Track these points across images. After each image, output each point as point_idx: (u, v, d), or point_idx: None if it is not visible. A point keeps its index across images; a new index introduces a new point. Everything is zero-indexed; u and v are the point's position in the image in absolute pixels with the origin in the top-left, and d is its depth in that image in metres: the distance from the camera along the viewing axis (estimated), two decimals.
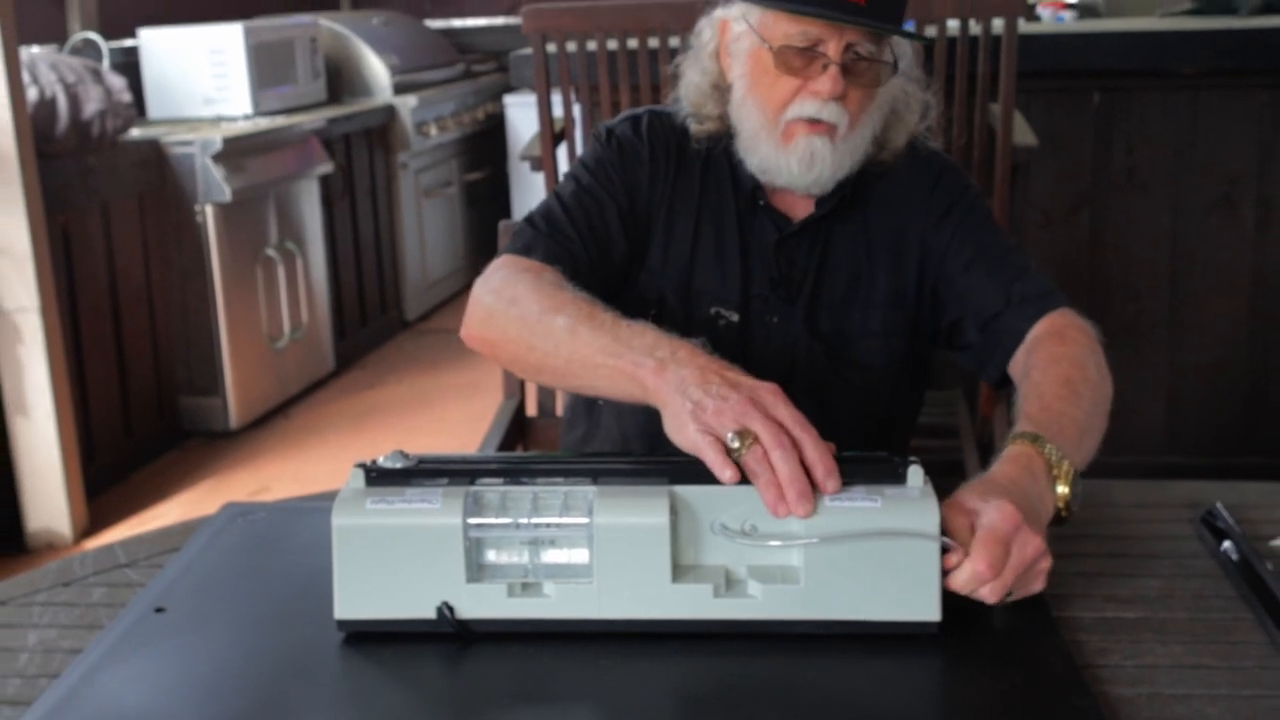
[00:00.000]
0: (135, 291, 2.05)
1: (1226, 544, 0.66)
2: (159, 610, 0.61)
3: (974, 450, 1.17)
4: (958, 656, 0.56)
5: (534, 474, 0.59)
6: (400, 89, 2.82)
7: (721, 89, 0.81)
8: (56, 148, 1.86)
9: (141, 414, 2.07)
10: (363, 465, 0.59)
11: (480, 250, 3.14)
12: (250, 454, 2.14)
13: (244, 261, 2.21)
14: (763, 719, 0.51)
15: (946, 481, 0.62)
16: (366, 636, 0.58)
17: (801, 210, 0.82)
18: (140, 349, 2.07)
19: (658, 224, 0.82)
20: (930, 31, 1.29)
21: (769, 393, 0.59)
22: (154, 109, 2.38)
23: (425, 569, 0.57)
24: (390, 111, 2.77)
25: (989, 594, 0.57)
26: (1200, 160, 1.66)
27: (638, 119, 0.84)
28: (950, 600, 0.57)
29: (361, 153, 2.69)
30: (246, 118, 2.36)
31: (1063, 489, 0.63)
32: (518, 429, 1.19)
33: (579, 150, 1.43)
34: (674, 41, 1.31)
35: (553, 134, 1.43)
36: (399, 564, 0.57)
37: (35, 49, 2.11)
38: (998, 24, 1.31)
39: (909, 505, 0.57)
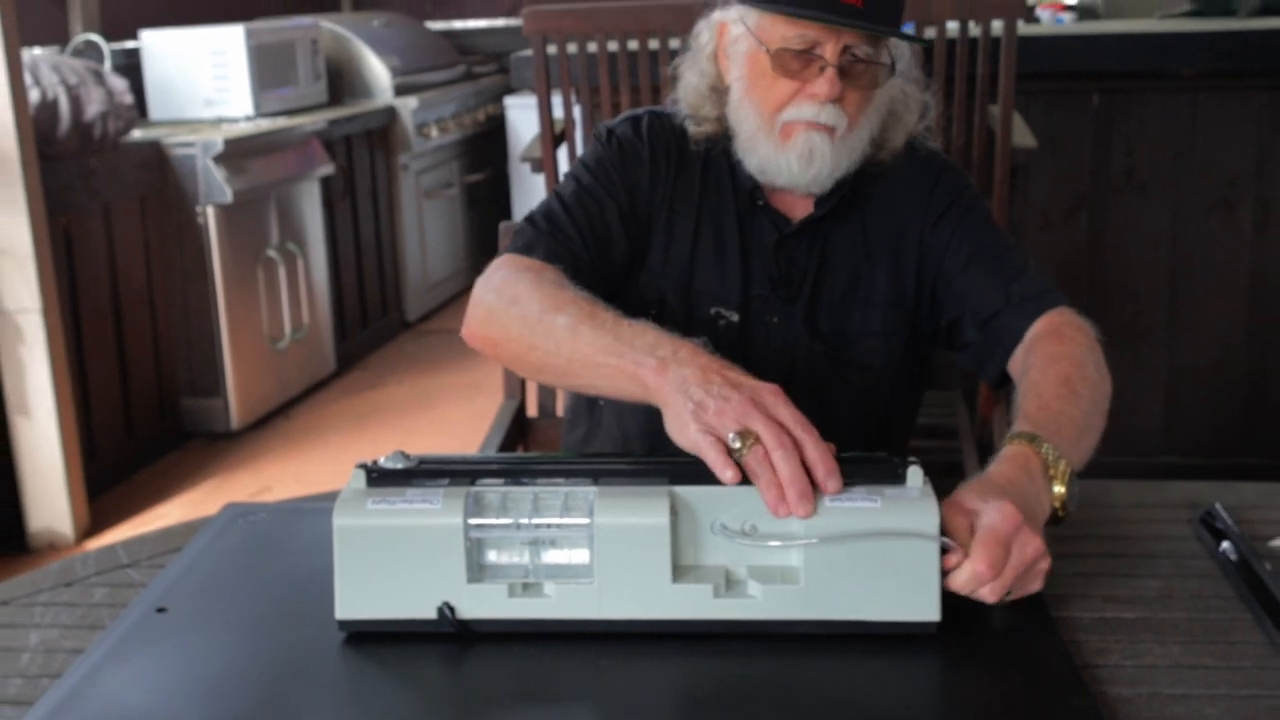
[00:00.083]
0: (137, 292, 2.06)
1: (1225, 544, 0.66)
2: (160, 610, 0.61)
3: (973, 451, 1.17)
4: (957, 656, 0.56)
5: (535, 474, 0.60)
6: (401, 90, 2.82)
7: (719, 91, 0.81)
8: (58, 149, 1.87)
9: (143, 414, 2.08)
10: (364, 466, 0.60)
11: (481, 251, 3.14)
12: (251, 455, 2.14)
13: (245, 262, 2.21)
14: (763, 719, 0.51)
15: (946, 482, 0.62)
16: (367, 636, 0.58)
17: (800, 210, 0.82)
18: (142, 350, 2.07)
19: (658, 224, 0.82)
20: (930, 33, 1.29)
21: (770, 393, 0.59)
22: (155, 110, 2.38)
23: (426, 569, 0.57)
24: (391, 113, 2.77)
25: (988, 594, 0.57)
26: (1199, 162, 1.66)
27: (638, 119, 0.84)
28: (949, 600, 0.57)
29: (362, 154, 2.69)
30: (248, 119, 2.37)
31: (1059, 489, 0.63)
32: (518, 429, 1.19)
33: (579, 152, 1.43)
34: (674, 43, 1.31)
35: (553, 135, 1.43)
36: (400, 564, 0.57)
37: (37, 50, 2.11)
38: (997, 25, 1.31)
39: (909, 506, 0.57)
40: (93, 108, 1.91)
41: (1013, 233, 1.59)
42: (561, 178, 0.86)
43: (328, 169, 2.46)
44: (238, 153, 2.14)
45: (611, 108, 1.39)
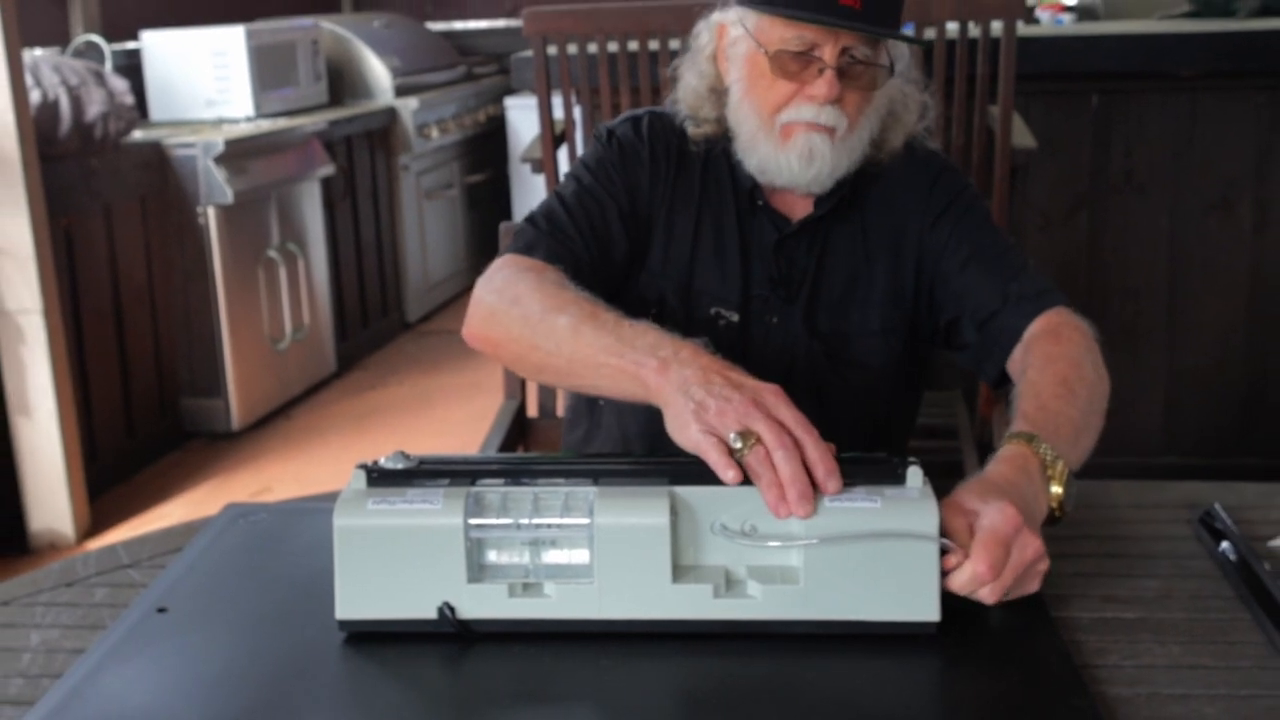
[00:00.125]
0: (137, 293, 2.06)
1: (1224, 544, 0.66)
2: (161, 610, 0.61)
3: (973, 451, 1.17)
4: (957, 656, 0.56)
5: (535, 475, 0.60)
6: (401, 91, 2.83)
7: (719, 92, 0.81)
8: (59, 150, 1.87)
9: (144, 415, 2.08)
10: (364, 466, 0.60)
11: (481, 252, 3.14)
12: (252, 455, 2.15)
13: (246, 263, 2.21)
14: (763, 719, 0.51)
15: (945, 482, 0.62)
16: (368, 636, 0.58)
17: (800, 210, 0.82)
18: (142, 350, 2.07)
19: (658, 224, 0.82)
20: (930, 34, 1.30)
21: (771, 394, 0.59)
22: (156, 111, 2.38)
23: (426, 569, 0.57)
24: (391, 114, 2.77)
25: (988, 595, 0.57)
26: (1198, 162, 1.66)
27: (638, 120, 0.84)
28: (949, 600, 0.57)
29: (363, 155, 2.69)
30: (248, 120, 2.37)
31: (1056, 489, 0.63)
32: (519, 430, 1.19)
33: (580, 152, 1.43)
34: (674, 44, 1.32)
35: (553, 136, 1.43)
36: (400, 564, 0.57)
37: (38, 51, 2.11)
38: (997, 26, 1.31)
39: (908, 506, 0.57)
40: (94, 108, 1.91)
41: (1012, 233, 1.59)
42: (562, 178, 0.86)
43: (328, 169, 2.46)
44: (238, 153, 2.15)
45: (611, 108, 1.39)
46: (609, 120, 0.88)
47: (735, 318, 0.81)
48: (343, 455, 2.11)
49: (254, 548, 0.69)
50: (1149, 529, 0.71)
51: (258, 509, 0.75)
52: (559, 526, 0.57)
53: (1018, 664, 0.55)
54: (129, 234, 2.03)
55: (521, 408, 1.20)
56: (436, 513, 0.57)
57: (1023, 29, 1.53)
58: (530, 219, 0.81)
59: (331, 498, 0.60)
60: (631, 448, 0.84)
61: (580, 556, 0.58)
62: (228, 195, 2.10)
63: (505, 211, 3.13)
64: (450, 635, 0.58)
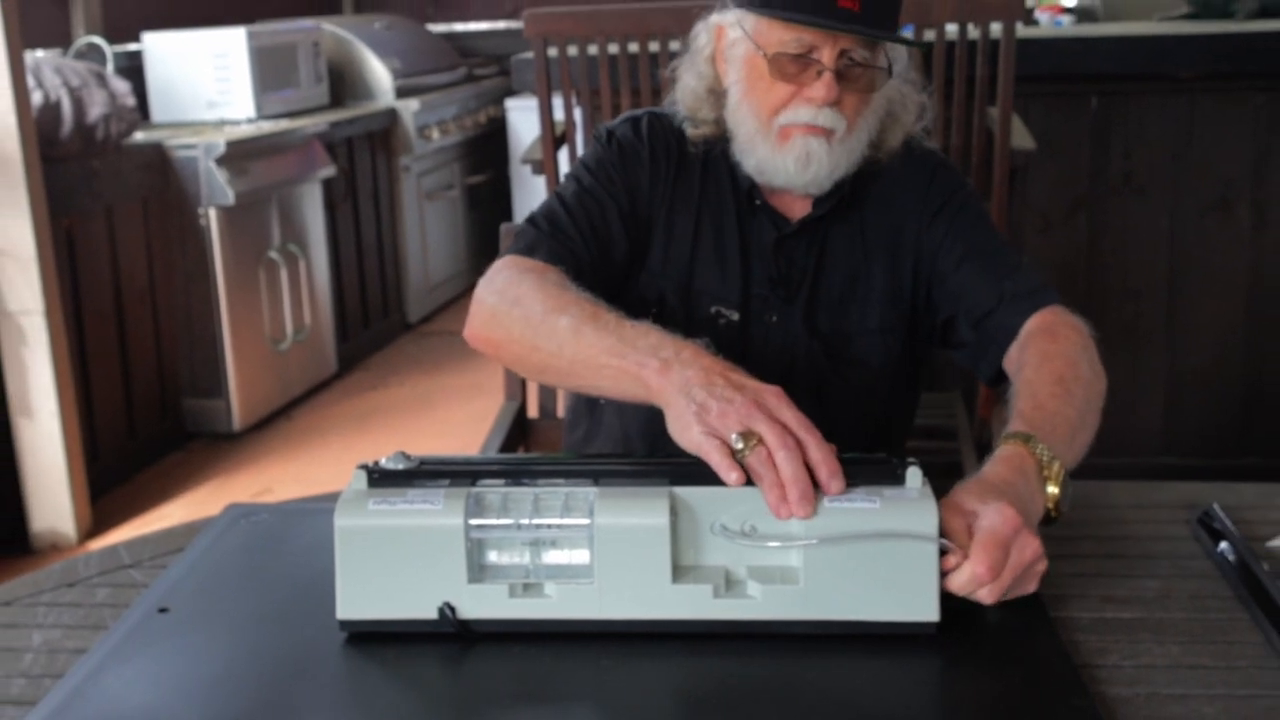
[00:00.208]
0: (139, 294, 2.06)
1: (1223, 545, 0.66)
2: (163, 610, 0.62)
3: (972, 452, 1.17)
4: (956, 657, 0.56)
5: (535, 475, 0.60)
6: (402, 93, 2.83)
7: (717, 93, 0.81)
8: (61, 151, 1.87)
9: (145, 415, 2.08)
10: (365, 466, 0.60)
11: (482, 253, 3.15)
12: (253, 455, 2.15)
13: (247, 264, 2.22)
14: (763, 719, 0.51)
15: (945, 483, 0.62)
16: (368, 636, 0.58)
17: (799, 210, 0.82)
18: (144, 351, 2.08)
19: (658, 224, 0.82)
20: (929, 35, 1.30)
21: (773, 395, 0.59)
22: (157, 112, 2.39)
23: (427, 569, 0.57)
24: (392, 115, 2.78)
25: (986, 595, 0.57)
26: (1197, 163, 1.66)
27: (637, 120, 0.84)
28: (948, 601, 0.57)
29: (364, 156, 2.70)
30: (249, 121, 2.37)
31: (1053, 489, 0.63)
32: (519, 430, 1.19)
33: (580, 153, 1.43)
34: (675, 46, 1.32)
35: (554, 137, 1.44)
36: (401, 564, 0.57)
37: (40, 53, 2.12)
38: (996, 28, 1.31)
39: (908, 506, 0.57)
40: (95, 110, 1.91)
41: (1012, 234, 1.59)
42: (562, 179, 0.86)
43: (329, 171, 2.46)
44: (240, 155, 2.15)
45: (612, 110, 1.39)
46: (609, 121, 0.88)
47: (735, 317, 0.82)
48: (344, 456, 2.11)
49: (255, 548, 0.69)
50: (1148, 529, 0.71)
51: (259, 509, 0.75)
52: (559, 527, 0.57)
53: (1017, 664, 0.55)
54: (130, 235, 2.03)
55: (522, 409, 1.21)
56: (437, 513, 0.57)
57: (1022, 31, 1.53)
58: (531, 220, 0.81)
59: (332, 498, 0.60)
60: (633, 447, 0.84)
61: (580, 557, 0.58)
62: (229, 196, 2.10)
63: (506, 213, 3.13)
64: (451, 635, 0.58)
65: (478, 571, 0.58)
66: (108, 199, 1.97)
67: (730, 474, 0.57)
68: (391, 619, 0.58)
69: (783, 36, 0.75)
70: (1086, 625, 0.60)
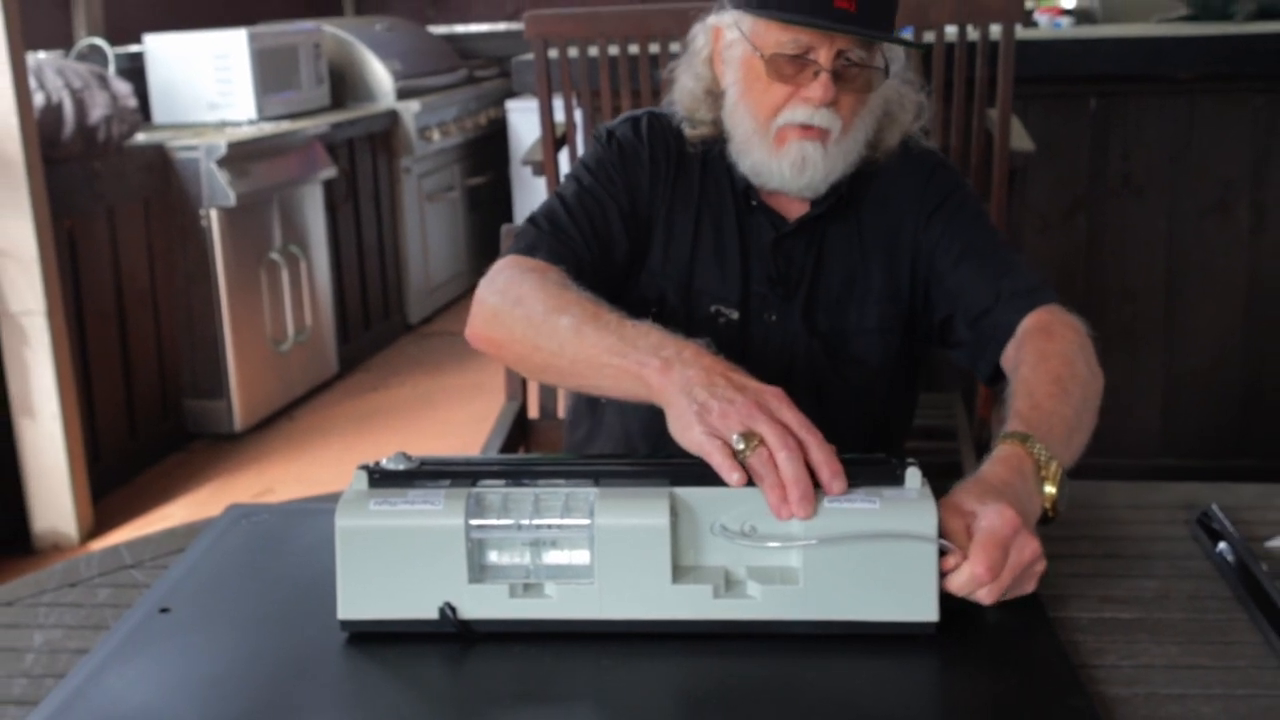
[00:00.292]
0: (140, 295, 2.06)
1: (1222, 545, 0.67)
2: (164, 611, 0.62)
3: (972, 452, 1.17)
4: (955, 657, 0.56)
5: (536, 476, 0.60)
6: (403, 94, 2.83)
7: (715, 94, 0.81)
8: (63, 152, 1.87)
9: (147, 416, 2.08)
10: (366, 467, 0.60)
11: (482, 254, 3.15)
12: (254, 456, 2.15)
13: (248, 265, 2.22)
14: (762, 718, 0.51)
15: (944, 484, 0.62)
16: (369, 637, 0.58)
17: (797, 210, 0.83)
18: (145, 352, 2.08)
19: (658, 224, 0.83)
20: (928, 37, 1.30)
21: (774, 396, 0.60)
22: (159, 114, 2.39)
23: (428, 570, 0.57)
24: (393, 116, 2.78)
25: (985, 596, 0.57)
26: (1195, 164, 1.67)
27: (637, 120, 0.85)
28: (947, 601, 0.57)
29: (365, 157, 2.70)
30: (251, 123, 2.38)
31: (1050, 489, 0.63)
32: (520, 431, 1.20)
33: (580, 155, 1.44)
34: (675, 47, 1.31)
35: (554, 139, 1.44)
36: (402, 565, 0.57)
37: (41, 54, 2.12)
38: (995, 30, 1.31)
39: (907, 507, 0.57)
40: (97, 111, 1.91)
41: (1011, 235, 1.59)
42: (562, 179, 0.86)
43: (330, 172, 2.46)
44: (241, 156, 2.15)
45: (612, 111, 1.39)
46: (609, 121, 0.88)
47: (735, 316, 0.82)
48: (344, 456, 2.11)
49: (256, 548, 0.70)
50: (1146, 530, 0.71)
51: (260, 510, 0.75)
52: (560, 527, 0.57)
53: (1016, 664, 0.55)
54: (132, 236, 2.04)
55: (523, 409, 1.21)
56: (438, 513, 0.57)
57: (1021, 32, 1.53)
58: (532, 220, 0.81)
59: (333, 499, 0.60)
60: (634, 446, 0.84)
61: (581, 557, 0.58)
62: (230, 198, 2.11)
63: (506, 214, 3.14)
64: (451, 635, 0.58)
65: (478, 572, 0.58)
66: (109, 200, 1.97)
67: (732, 474, 0.57)
68: (392, 619, 0.58)
69: (779, 37, 0.75)
70: (1085, 625, 0.60)
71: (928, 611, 0.57)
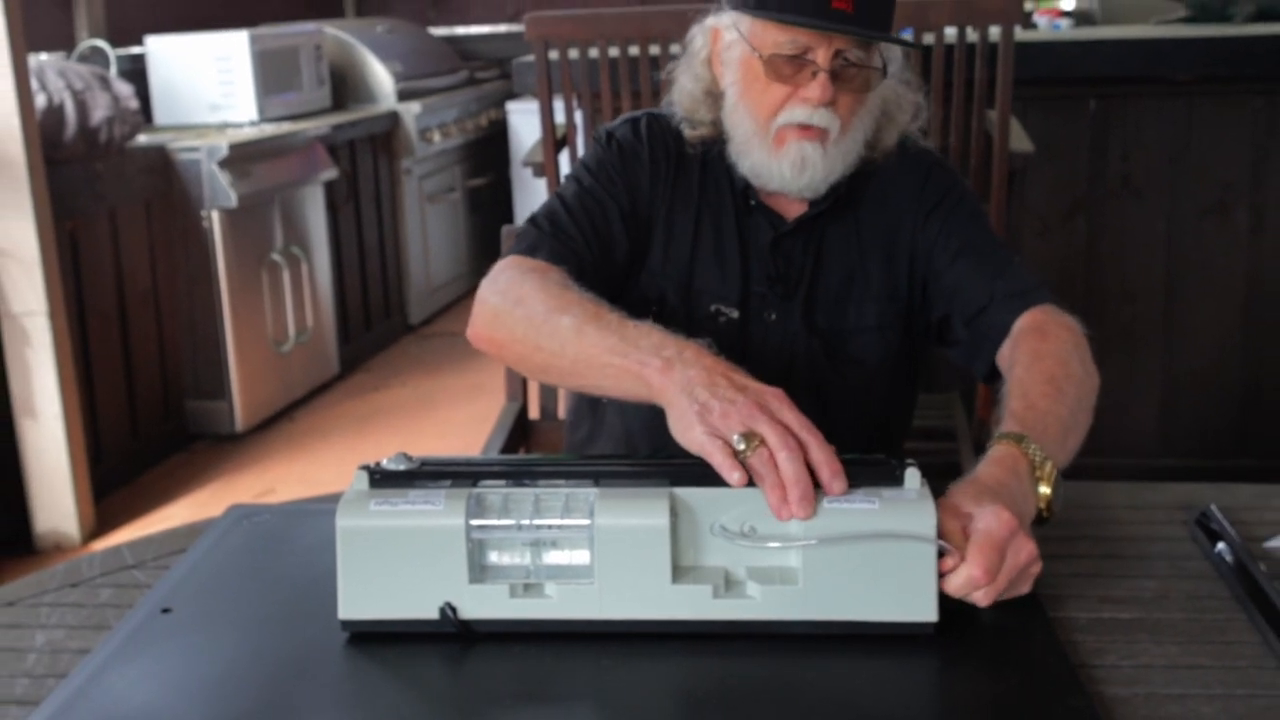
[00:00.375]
0: (142, 296, 2.07)
1: (1220, 545, 0.67)
2: (165, 611, 0.62)
3: (971, 453, 1.17)
4: (954, 657, 0.56)
5: (536, 476, 0.60)
6: (404, 96, 2.84)
7: (714, 95, 0.82)
8: (64, 154, 1.88)
9: (148, 417, 2.09)
10: (366, 467, 0.60)
11: (483, 255, 3.15)
12: (256, 456, 2.15)
13: (249, 266, 2.22)
14: (762, 718, 0.51)
15: (944, 484, 0.62)
16: (370, 636, 0.58)
17: (795, 210, 0.83)
18: (147, 353, 2.08)
19: (658, 224, 0.83)
20: (928, 39, 1.30)
21: (775, 397, 0.60)
22: (161, 115, 2.40)
23: (428, 570, 0.58)
24: (394, 118, 2.79)
25: (982, 597, 0.58)
26: (1194, 166, 1.67)
27: (636, 121, 0.85)
28: (946, 601, 0.58)
29: (366, 159, 2.70)
30: (252, 124, 2.38)
31: (1045, 490, 0.63)
32: (520, 431, 1.20)
33: (580, 156, 1.44)
34: (675, 49, 1.31)
35: (555, 140, 1.44)
36: (402, 565, 0.58)
37: (43, 56, 2.13)
38: (995, 31, 1.31)
39: (906, 507, 0.57)
40: (98, 113, 1.92)
41: (1010, 237, 1.59)
42: (562, 180, 0.87)
43: (331, 173, 2.47)
44: (242, 157, 2.16)
45: (613, 112, 1.39)
46: (609, 123, 0.88)
47: (735, 315, 0.82)
48: (345, 457, 2.11)
49: (257, 548, 0.70)
50: (1145, 530, 0.71)
51: (261, 510, 0.75)
52: (560, 527, 0.58)
53: (1015, 664, 0.56)
54: (133, 237, 2.04)
55: (523, 410, 1.21)
56: (438, 514, 0.58)
57: (1020, 34, 1.53)
58: (532, 220, 0.81)
59: (334, 499, 0.61)
60: (636, 444, 0.84)
61: (581, 557, 0.58)
62: (231, 199, 2.11)
63: (507, 215, 3.14)
64: (452, 635, 0.58)
65: (479, 572, 0.58)
66: (111, 201, 1.98)
67: (733, 474, 0.58)
68: (393, 619, 0.58)
69: (778, 38, 0.76)
70: (1084, 625, 0.60)
71: (927, 612, 0.57)
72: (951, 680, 0.56)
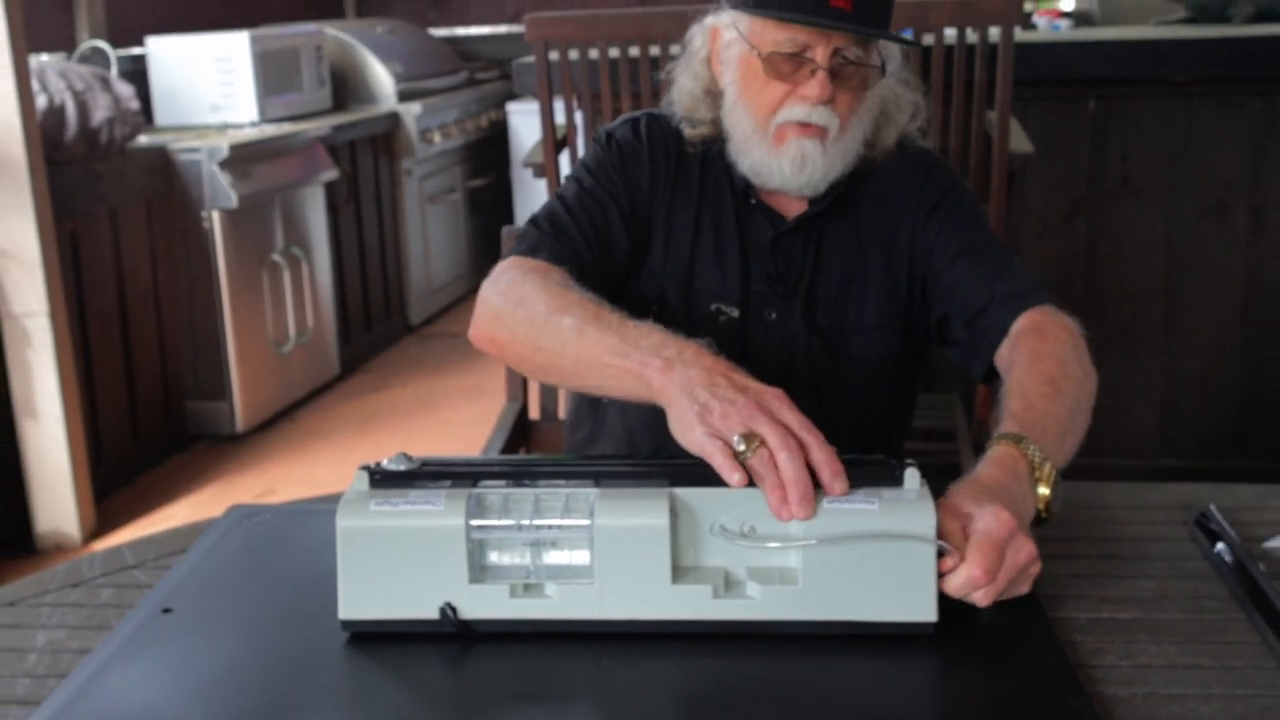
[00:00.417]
0: (143, 296, 2.07)
1: (1220, 546, 0.67)
2: (166, 611, 0.62)
3: (970, 454, 1.17)
4: (954, 657, 0.56)
5: (536, 476, 0.60)
6: (404, 96, 2.84)
7: (713, 94, 0.82)
8: (65, 155, 1.88)
9: (149, 417, 2.09)
10: (367, 468, 0.60)
11: (483, 256, 3.15)
12: (256, 457, 2.15)
13: (250, 267, 2.22)
14: (762, 718, 0.52)
15: (943, 485, 0.62)
16: (370, 636, 0.59)
17: (795, 208, 0.83)
18: (148, 353, 2.08)
19: (658, 224, 0.83)
20: (928, 39, 1.31)
21: (775, 397, 0.60)
22: (161, 116, 2.40)
23: (428, 570, 0.58)
24: (395, 119, 2.79)
25: (981, 598, 0.58)
26: (1194, 167, 1.67)
27: (636, 121, 0.85)
28: (945, 601, 0.58)
29: (366, 159, 2.70)
30: (252, 125, 2.38)
31: (1044, 490, 0.63)
32: (520, 432, 1.20)
33: (581, 157, 1.44)
34: (675, 49, 1.32)
35: (555, 141, 1.44)
36: (402, 565, 0.58)
37: (44, 57, 2.13)
38: (994, 32, 1.31)
39: (906, 508, 0.57)
40: (99, 113, 1.92)
41: (1010, 238, 1.60)
42: (563, 181, 0.87)
43: (332, 174, 2.47)
44: (243, 158, 2.16)
45: (613, 113, 1.40)
46: (609, 123, 0.89)
47: (735, 314, 0.82)
48: (346, 457, 2.11)
49: (258, 549, 0.70)
50: (1145, 530, 0.71)
51: (261, 510, 0.75)
52: (560, 528, 0.58)
53: (1014, 664, 0.56)
54: (134, 238, 2.04)
55: (524, 410, 1.21)
56: (438, 514, 0.58)
57: (1020, 35, 1.54)
58: (533, 221, 0.82)
59: (334, 499, 0.61)
60: (637, 444, 0.84)
61: (581, 557, 0.58)
62: (232, 199, 2.11)
63: (507, 216, 3.14)
64: (452, 635, 0.58)
65: (479, 572, 0.59)
66: (112, 202, 1.98)
67: (733, 475, 0.58)
68: (393, 619, 0.58)
69: (776, 36, 0.76)
70: (1083, 625, 0.60)
71: (926, 612, 0.57)
72: (951, 680, 0.56)
